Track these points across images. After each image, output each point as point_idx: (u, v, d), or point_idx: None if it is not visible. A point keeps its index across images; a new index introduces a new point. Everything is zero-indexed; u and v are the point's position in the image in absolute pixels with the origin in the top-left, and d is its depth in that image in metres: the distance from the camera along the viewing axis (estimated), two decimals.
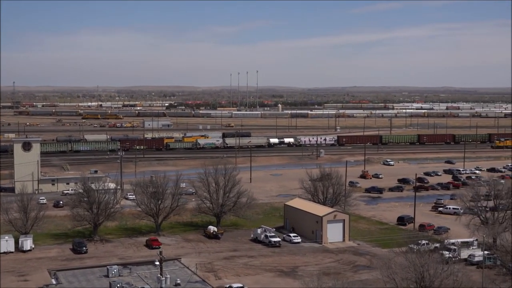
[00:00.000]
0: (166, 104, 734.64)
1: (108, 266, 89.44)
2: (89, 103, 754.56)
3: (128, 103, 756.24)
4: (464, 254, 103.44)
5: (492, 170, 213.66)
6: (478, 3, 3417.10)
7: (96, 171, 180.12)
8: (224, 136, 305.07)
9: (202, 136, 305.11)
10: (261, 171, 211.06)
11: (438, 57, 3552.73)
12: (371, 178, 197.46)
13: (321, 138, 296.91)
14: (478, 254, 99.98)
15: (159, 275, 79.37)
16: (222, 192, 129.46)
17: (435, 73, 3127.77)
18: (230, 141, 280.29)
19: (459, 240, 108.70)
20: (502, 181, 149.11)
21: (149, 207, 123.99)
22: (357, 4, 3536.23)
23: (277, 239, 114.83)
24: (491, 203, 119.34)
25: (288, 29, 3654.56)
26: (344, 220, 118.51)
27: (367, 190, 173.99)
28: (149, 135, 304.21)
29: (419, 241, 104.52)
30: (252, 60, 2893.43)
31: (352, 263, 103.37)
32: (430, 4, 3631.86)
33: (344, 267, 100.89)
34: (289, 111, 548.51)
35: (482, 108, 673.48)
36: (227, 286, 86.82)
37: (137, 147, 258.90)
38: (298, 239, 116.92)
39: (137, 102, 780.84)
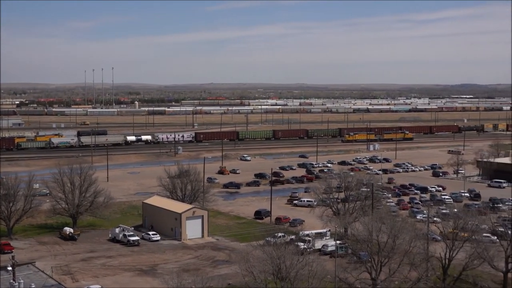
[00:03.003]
0: (17, 102, 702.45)
1: None
2: None
3: None
4: (318, 244, 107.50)
5: (342, 163, 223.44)
6: (329, 3, 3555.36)
7: None
8: (79, 134, 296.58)
9: (56, 135, 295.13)
10: (118, 170, 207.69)
11: (292, 54, 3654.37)
12: (228, 174, 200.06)
13: (178, 135, 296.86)
14: (331, 244, 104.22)
15: (11, 281, 75.99)
16: (78, 192, 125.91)
17: (289, 70, 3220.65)
18: (86, 140, 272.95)
19: (313, 231, 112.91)
20: (352, 173, 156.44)
21: None
22: (213, 2, 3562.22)
23: (136, 238, 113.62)
24: (342, 195, 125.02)
25: (143, 25, 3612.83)
26: (203, 216, 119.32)
27: (225, 186, 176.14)
28: None
29: (276, 234, 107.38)
30: (107, 57, 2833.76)
31: (211, 258, 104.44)
32: (284, 4, 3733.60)
33: (203, 262, 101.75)
34: (146, 108, 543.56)
35: (333, 104, 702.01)
36: None
37: None
38: (157, 237, 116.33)
39: None
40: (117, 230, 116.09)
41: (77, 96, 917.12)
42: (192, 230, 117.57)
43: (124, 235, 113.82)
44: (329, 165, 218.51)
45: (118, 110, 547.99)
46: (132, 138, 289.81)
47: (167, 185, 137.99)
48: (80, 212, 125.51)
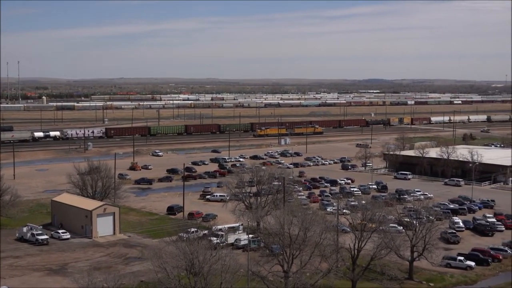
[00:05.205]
0: None
1: None
2: None
3: None
4: (231, 238, 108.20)
5: (254, 157, 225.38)
6: None
7: None
8: None
9: None
10: (25, 167, 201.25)
11: (203, 49, 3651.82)
12: (140, 170, 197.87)
13: (88, 131, 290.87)
14: (244, 238, 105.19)
15: None
16: None
17: (201, 65, 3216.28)
18: None
19: (226, 225, 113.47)
20: (264, 167, 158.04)
21: None
22: None
23: (45, 236, 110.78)
24: (254, 189, 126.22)
25: (50, 18, 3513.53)
26: (114, 213, 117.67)
27: (137, 182, 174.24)
28: None
29: (189, 229, 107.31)
30: (13, 50, 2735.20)
31: (123, 255, 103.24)
32: None
33: (115, 260, 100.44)
34: (55, 104, 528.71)
35: (245, 99, 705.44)
36: None
37: None
38: (67, 235, 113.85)
39: None
40: (24, 229, 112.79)
41: None
42: (103, 227, 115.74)
43: (32, 234, 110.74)
44: (241, 159, 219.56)
45: (25, 105, 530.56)
46: (40, 134, 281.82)
47: (77, 182, 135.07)
48: None
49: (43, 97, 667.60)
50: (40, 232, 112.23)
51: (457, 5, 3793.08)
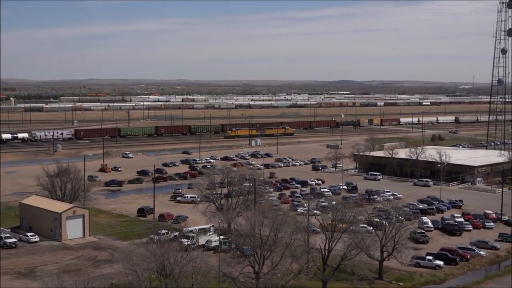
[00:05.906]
0: None
1: None
2: None
3: None
4: (202, 240, 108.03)
5: (225, 158, 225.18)
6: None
7: None
8: None
9: None
10: None
11: (174, 50, 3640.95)
12: (110, 171, 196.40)
13: (57, 132, 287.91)
14: (215, 239, 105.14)
15: None
16: None
17: (171, 66, 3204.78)
18: None
19: (197, 227, 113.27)
20: (235, 168, 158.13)
21: None
22: None
23: (13, 240, 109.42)
24: (225, 190, 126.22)
25: (18, 18, 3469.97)
26: (84, 215, 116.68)
27: (107, 184, 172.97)
28: None
29: (159, 231, 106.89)
30: None
31: (93, 258, 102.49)
32: None
33: (85, 263, 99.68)
34: (23, 105, 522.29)
35: (215, 100, 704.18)
36: None
37: None
38: (36, 238, 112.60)
39: None
40: None
41: None
42: (73, 230, 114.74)
43: (0, 237, 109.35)
44: (212, 161, 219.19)
45: None
46: (8, 136, 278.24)
47: (45, 184, 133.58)
48: None
49: (11, 98, 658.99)
50: (8, 235, 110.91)
51: (425, 7, 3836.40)
